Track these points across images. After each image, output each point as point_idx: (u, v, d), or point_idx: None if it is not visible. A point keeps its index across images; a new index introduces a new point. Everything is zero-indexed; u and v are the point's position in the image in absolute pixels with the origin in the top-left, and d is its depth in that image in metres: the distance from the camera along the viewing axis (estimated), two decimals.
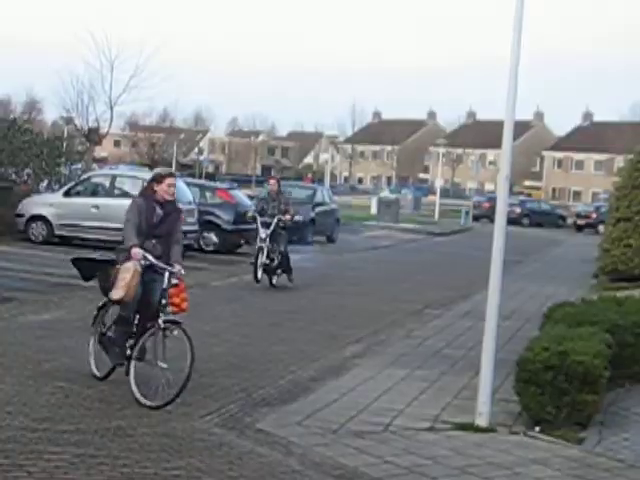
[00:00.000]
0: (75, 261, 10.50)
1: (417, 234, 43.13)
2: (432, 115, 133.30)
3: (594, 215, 58.34)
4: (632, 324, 11.46)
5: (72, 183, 26.23)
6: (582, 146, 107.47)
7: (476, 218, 59.13)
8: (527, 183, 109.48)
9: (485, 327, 9.66)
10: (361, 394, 10.54)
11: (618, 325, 11.21)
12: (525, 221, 62.22)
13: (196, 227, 24.58)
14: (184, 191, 25.66)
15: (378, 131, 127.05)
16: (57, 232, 24.52)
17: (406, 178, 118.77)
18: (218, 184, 34.17)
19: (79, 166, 31.65)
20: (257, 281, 19.08)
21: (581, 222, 60.84)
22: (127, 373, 9.52)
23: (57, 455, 7.44)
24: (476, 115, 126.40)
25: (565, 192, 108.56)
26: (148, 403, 9.10)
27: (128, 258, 9.54)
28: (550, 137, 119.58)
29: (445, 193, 77.87)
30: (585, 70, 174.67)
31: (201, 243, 26.00)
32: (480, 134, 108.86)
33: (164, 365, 9.24)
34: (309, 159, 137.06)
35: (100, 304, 10.21)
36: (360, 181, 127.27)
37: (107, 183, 25.36)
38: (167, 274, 9.50)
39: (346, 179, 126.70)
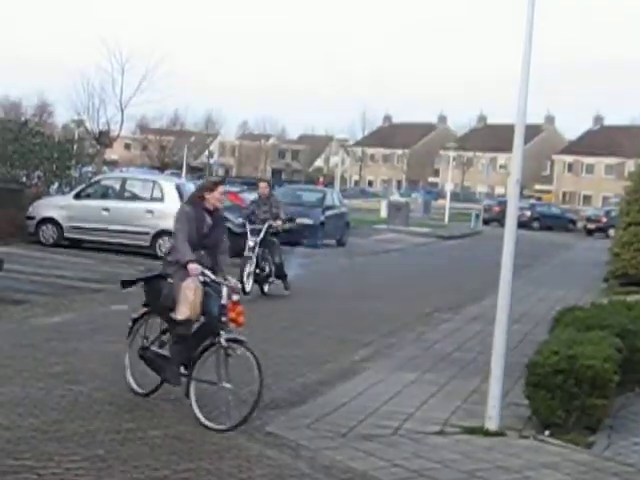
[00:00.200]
0: (125, 284, 9.96)
1: (427, 238, 43.09)
2: (443, 119, 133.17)
3: (604, 219, 58.24)
4: None
5: (83, 186, 26.26)
6: (593, 150, 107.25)
7: (486, 222, 59.04)
8: (537, 187, 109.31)
9: (495, 331, 9.64)
10: (370, 397, 10.53)
11: (628, 329, 11.18)
12: (535, 225, 62.17)
13: None
14: None
15: (388, 134, 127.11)
16: (67, 235, 24.56)
17: (416, 181, 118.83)
18: (228, 187, 34.22)
19: (90, 169, 31.78)
20: (245, 293, 16.90)
21: (591, 226, 60.75)
22: (187, 394, 9.03)
23: (67, 457, 7.46)
24: (487, 119, 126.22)
25: (575, 196, 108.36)
26: (215, 427, 8.66)
27: (183, 274, 9.09)
28: (561, 141, 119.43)
29: (455, 197, 77.75)
30: (596, 74, 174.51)
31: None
32: (491, 138, 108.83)
33: (229, 386, 8.80)
34: (319, 162, 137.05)
35: (135, 316, 9.77)
36: (370, 184, 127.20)
37: (117, 186, 25.41)
38: (225, 289, 9.06)
39: (356, 182, 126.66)
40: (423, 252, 35.96)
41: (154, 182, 25.36)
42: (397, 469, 7.99)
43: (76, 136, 43.55)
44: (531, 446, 9.06)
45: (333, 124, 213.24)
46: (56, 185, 28.92)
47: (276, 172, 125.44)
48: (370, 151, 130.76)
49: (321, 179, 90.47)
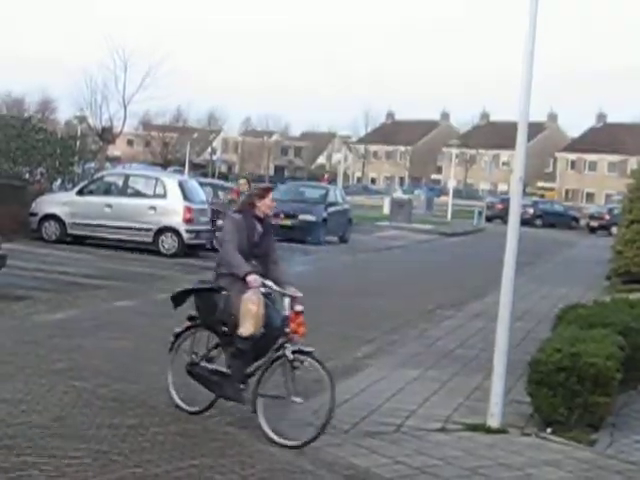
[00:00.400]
0: (174, 299, 9.30)
1: (430, 234, 43.11)
2: (445, 116, 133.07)
3: (607, 217, 58.20)
4: None
5: (85, 182, 26.30)
6: (595, 147, 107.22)
7: (489, 219, 59.10)
8: (540, 184, 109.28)
9: (497, 328, 9.65)
10: (373, 394, 10.54)
11: (630, 327, 11.18)
12: (538, 222, 62.17)
13: (209, 226, 24.63)
14: (197, 191, 25.77)
15: (391, 131, 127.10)
16: (70, 231, 24.58)
17: (419, 178, 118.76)
18: (231, 184, 34.23)
19: (92, 165, 31.78)
20: None
21: (594, 224, 60.69)
22: (254, 411, 8.62)
23: (69, 453, 7.46)
24: (490, 116, 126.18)
25: (578, 193, 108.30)
26: (288, 443, 8.33)
27: (242, 286, 8.66)
28: (563, 138, 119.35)
29: (458, 194, 77.84)
30: (599, 71, 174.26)
31: (214, 243, 26.01)
32: (493, 135, 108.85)
33: (298, 400, 8.46)
34: (322, 159, 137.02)
35: (178, 330, 9.24)
36: (373, 181, 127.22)
37: (120, 182, 25.46)
38: (287, 300, 8.66)
39: (359, 179, 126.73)
40: (425, 249, 35.96)
41: (157, 179, 25.39)
42: (399, 466, 8.00)
43: (79, 132, 43.65)
44: (533, 443, 9.06)
45: (336, 121, 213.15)
46: (59, 181, 28.96)
47: (279, 169, 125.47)
48: (373, 148, 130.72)
49: (325, 176, 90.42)
